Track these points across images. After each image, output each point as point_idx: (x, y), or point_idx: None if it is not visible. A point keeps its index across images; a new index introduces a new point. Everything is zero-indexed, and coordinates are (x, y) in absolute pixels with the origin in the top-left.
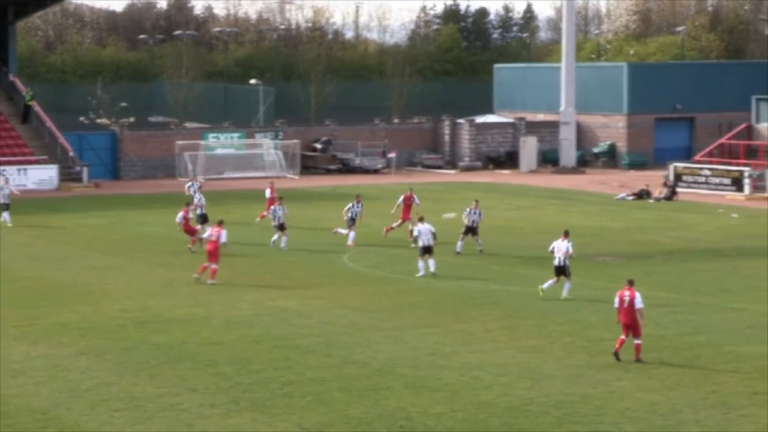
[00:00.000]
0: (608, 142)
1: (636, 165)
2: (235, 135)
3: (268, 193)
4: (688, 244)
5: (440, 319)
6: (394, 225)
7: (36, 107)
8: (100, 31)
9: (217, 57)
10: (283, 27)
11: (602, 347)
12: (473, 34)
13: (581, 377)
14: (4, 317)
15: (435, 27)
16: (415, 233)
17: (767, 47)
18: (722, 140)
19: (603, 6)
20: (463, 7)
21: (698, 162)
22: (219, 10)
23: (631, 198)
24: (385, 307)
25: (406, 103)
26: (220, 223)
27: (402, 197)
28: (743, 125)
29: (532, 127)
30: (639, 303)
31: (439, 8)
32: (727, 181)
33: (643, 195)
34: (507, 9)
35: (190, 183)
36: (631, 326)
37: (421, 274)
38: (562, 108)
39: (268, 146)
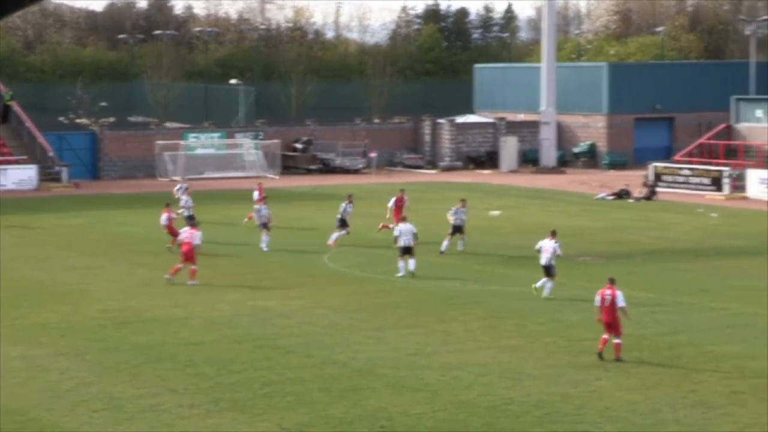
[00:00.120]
0: (588, 142)
1: (616, 165)
2: (216, 135)
3: (256, 195)
4: (667, 244)
5: (421, 319)
6: (390, 225)
7: (15, 107)
8: (80, 31)
9: (197, 57)
10: (263, 27)
11: (583, 347)
12: (454, 34)
13: (562, 377)
14: None
15: (415, 27)
16: (396, 233)
17: (747, 47)
18: (702, 140)
19: (583, 6)
20: (443, 7)
21: (678, 162)
22: (199, 10)
23: (611, 198)
24: (365, 307)
25: (386, 103)
26: (194, 225)
27: (393, 199)
28: (723, 125)
29: (513, 127)
30: (621, 301)
31: (420, 8)
32: (706, 180)
33: (622, 195)
34: (487, 9)
35: (178, 186)
36: (612, 325)
37: (401, 274)
38: (542, 108)
39: (248, 146)
